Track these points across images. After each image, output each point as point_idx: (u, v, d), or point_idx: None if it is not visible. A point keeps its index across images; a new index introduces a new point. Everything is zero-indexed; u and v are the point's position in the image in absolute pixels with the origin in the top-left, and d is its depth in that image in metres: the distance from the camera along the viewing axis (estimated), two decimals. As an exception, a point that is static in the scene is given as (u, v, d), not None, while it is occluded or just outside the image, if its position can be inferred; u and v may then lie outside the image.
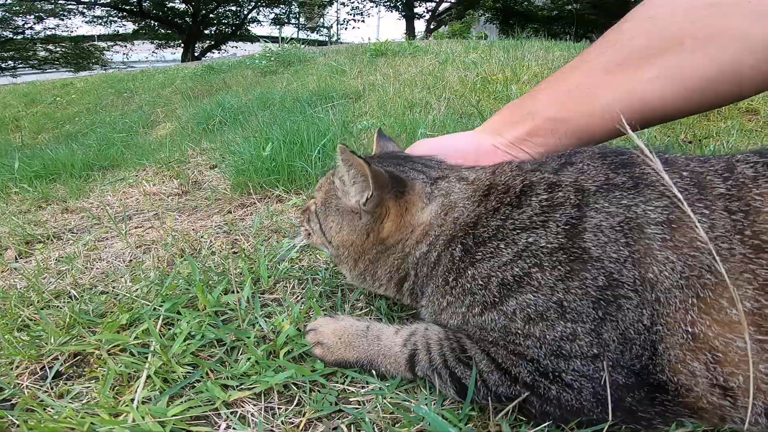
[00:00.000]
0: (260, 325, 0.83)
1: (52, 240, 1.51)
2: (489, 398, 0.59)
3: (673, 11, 0.61)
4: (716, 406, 0.52)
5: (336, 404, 0.66)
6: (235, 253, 1.23)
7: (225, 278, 0.99)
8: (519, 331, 0.57)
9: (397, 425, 0.62)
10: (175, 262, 1.17)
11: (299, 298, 0.97)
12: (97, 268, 1.21)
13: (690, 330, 0.51)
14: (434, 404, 0.64)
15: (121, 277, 1.11)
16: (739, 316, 0.48)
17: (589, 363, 0.54)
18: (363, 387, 0.70)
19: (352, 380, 0.71)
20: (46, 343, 0.81)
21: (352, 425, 0.63)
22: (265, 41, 7.26)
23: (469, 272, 0.61)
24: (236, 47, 22.73)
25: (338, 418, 0.65)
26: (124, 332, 0.83)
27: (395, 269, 0.71)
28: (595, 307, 0.53)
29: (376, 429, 0.62)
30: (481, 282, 0.60)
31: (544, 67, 3.70)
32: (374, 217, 0.70)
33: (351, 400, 0.68)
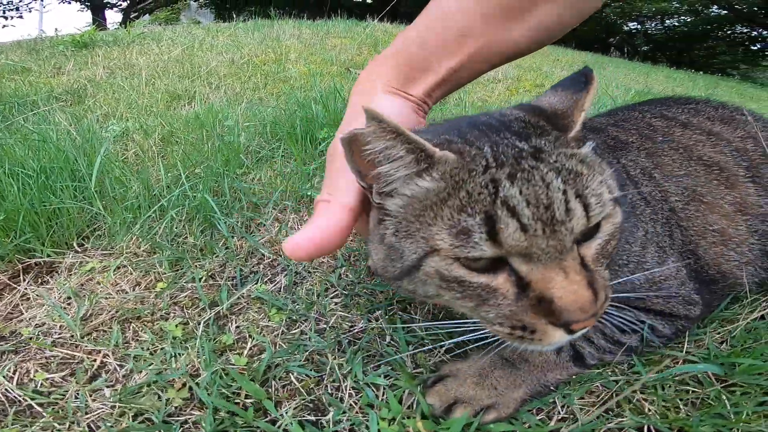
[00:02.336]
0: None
1: None
2: (661, 340, 0.68)
3: None
4: (737, 276, 0.72)
5: None
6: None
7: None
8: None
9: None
10: None
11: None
12: None
13: (713, 227, 0.69)
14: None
15: None
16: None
17: (684, 283, 0.67)
18: None
19: None
20: None
21: None
22: None
23: None
24: None
25: None
26: None
27: None
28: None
29: None
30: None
31: (305, 44, 3.67)
32: None
33: None
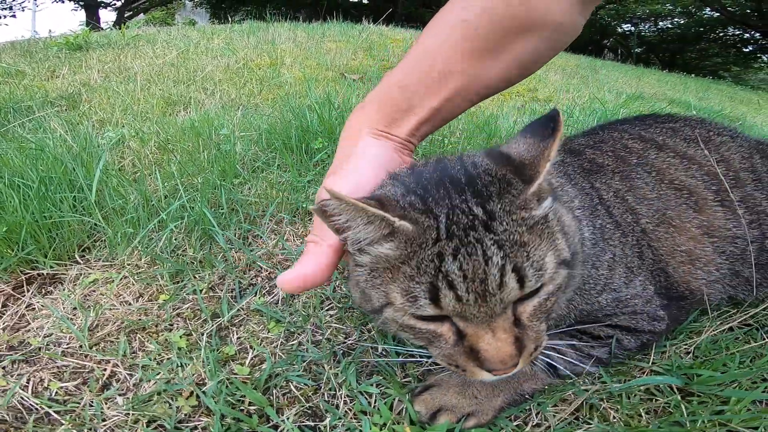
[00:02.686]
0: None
1: None
2: (624, 354, 0.74)
3: (498, 6, 0.67)
4: (705, 293, 0.78)
5: None
6: None
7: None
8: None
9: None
10: None
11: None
12: None
13: (681, 249, 0.76)
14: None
15: None
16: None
17: (650, 300, 0.73)
18: None
19: None
20: None
21: None
22: None
23: None
24: None
25: None
26: None
27: None
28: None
29: None
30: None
31: (301, 48, 3.69)
32: None
33: None
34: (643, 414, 0.66)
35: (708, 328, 0.79)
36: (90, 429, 0.61)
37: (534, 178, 0.54)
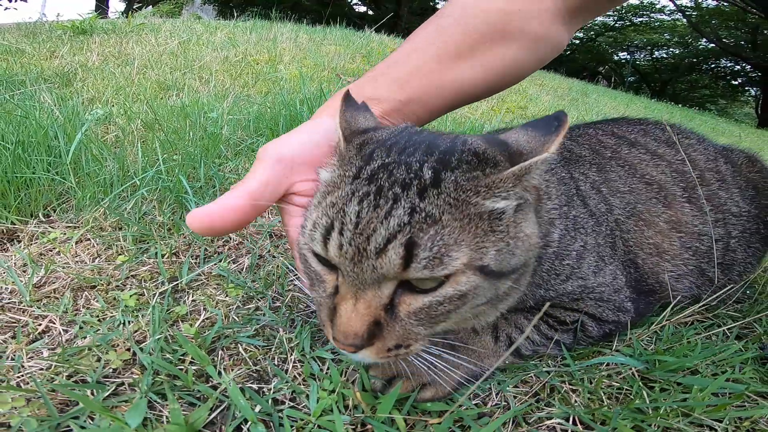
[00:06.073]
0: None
1: None
2: (587, 341, 0.74)
3: (476, 14, 0.73)
4: (674, 287, 0.78)
5: None
6: None
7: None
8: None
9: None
10: None
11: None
12: None
13: (650, 241, 0.76)
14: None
15: None
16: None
17: (619, 290, 0.73)
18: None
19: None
20: None
21: None
22: None
23: None
24: None
25: None
26: None
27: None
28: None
29: None
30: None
31: (300, 48, 3.72)
32: None
33: None
34: (604, 399, 0.63)
35: (669, 319, 0.78)
36: (1, 381, 0.56)
37: (521, 163, 0.49)
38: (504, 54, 0.72)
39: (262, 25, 4.57)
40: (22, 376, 0.58)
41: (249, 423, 0.53)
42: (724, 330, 0.79)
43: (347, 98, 0.60)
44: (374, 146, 0.54)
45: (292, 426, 0.53)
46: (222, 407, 0.55)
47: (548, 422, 0.59)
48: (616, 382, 0.66)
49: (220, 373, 0.60)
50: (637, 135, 0.92)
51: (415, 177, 0.48)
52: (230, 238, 1.00)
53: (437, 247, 0.45)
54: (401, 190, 0.47)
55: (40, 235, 0.97)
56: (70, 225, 1.03)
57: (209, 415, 0.54)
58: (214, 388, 0.58)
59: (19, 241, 0.97)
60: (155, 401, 0.54)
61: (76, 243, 0.94)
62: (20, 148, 1.16)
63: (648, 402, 0.62)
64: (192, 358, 0.61)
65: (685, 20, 16.92)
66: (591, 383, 0.66)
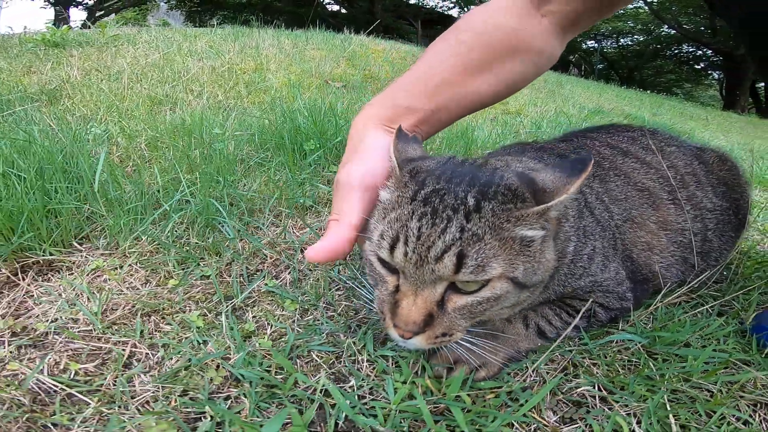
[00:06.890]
0: None
1: None
2: (598, 324, 0.86)
3: (492, 31, 0.82)
4: (664, 275, 0.91)
5: None
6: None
7: None
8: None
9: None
10: None
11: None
12: None
13: (642, 240, 0.89)
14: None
15: None
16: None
17: (621, 283, 0.84)
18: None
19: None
20: None
21: None
22: None
23: None
24: None
25: None
26: None
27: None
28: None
29: None
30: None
31: (285, 54, 3.74)
32: None
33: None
34: (619, 369, 0.75)
35: (662, 301, 0.92)
36: (120, 406, 0.63)
37: (546, 203, 0.61)
38: (513, 67, 0.83)
39: (242, 32, 4.54)
40: (138, 400, 0.64)
41: (344, 417, 0.61)
42: (707, 308, 0.92)
43: (399, 132, 0.72)
44: (425, 174, 0.65)
45: (376, 416, 0.62)
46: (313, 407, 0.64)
47: (578, 390, 0.71)
48: (626, 356, 0.79)
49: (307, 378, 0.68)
50: (628, 144, 1.05)
51: (462, 203, 0.60)
52: (267, 255, 1.06)
53: (481, 258, 0.58)
54: (452, 213, 0.60)
55: (83, 265, 1.01)
56: (106, 252, 1.07)
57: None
58: (307, 390, 0.67)
59: (61, 272, 1.00)
60: (264, 409, 0.62)
61: (121, 269, 0.99)
62: (40, 176, 1.18)
63: (654, 371, 0.74)
64: (278, 368, 0.69)
65: (647, 7, 17.56)
66: (606, 357, 0.78)
